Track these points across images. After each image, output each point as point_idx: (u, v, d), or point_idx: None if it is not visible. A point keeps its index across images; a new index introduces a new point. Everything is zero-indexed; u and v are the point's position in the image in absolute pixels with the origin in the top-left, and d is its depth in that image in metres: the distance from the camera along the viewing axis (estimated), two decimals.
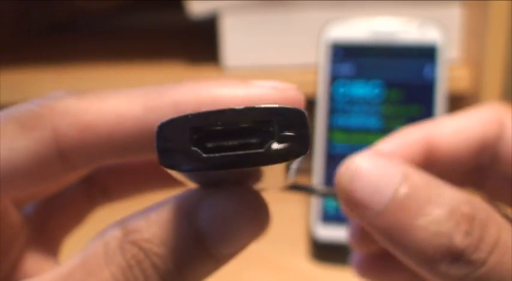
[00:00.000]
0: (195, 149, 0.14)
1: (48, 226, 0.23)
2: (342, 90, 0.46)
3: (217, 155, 0.14)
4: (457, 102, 0.50)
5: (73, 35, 0.71)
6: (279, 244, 0.46)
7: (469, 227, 0.16)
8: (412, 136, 0.22)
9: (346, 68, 0.46)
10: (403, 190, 0.17)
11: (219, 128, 0.14)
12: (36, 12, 0.71)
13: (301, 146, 0.14)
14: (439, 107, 0.44)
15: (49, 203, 0.23)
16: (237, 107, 0.14)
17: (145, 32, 0.69)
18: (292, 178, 0.20)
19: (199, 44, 0.60)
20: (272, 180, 0.18)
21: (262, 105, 0.14)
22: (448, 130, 0.22)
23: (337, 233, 0.44)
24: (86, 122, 0.18)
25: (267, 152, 0.14)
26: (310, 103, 0.47)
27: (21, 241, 0.21)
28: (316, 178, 0.45)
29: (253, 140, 0.14)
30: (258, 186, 0.18)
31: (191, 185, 0.18)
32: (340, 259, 0.44)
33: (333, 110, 0.46)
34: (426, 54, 0.45)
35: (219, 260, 0.17)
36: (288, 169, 0.16)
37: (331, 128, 0.46)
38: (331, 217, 0.44)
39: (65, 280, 0.16)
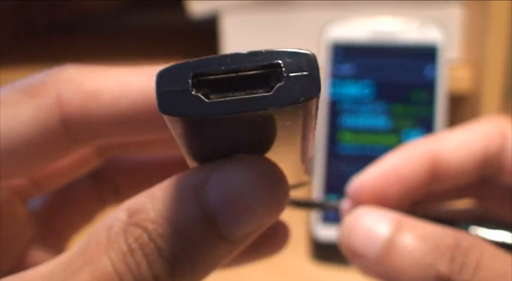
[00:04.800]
0: (197, 94, 0.13)
1: (56, 222, 0.23)
2: (342, 90, 0.46)
3: (221, 99, 0.13)
4: (458, 102, 0.50)
5: (73, 35, 0.71)
6: None
7: (452, 255, 0.18)
8: (416, 151, 0.22)
9: (347, 68, 0.46)
10: (394, 237, 0.19)
11: (222, 76, 0.13)
12: (36, 11, 0.71)
13: (311, 86, 0.13)
14: (440, 107, 0.44)
15: (57, 199, 0.23)
16: (241, 52, 0.13)
17: (145, 32, 0.69)
18: (311, 156, 0.18)
19: (199, 44, 0.60)
20: (288, 150, 0.16)
21: (268, 49, 0.13)
22: (452, 144, 0.22)
23: (337, 234, 0.43)
24: (89, 89, 0.18)
25: (275, 94, 0.13)
26: None
27: (27, 236, 0.21)
28: (318, 178, 0.45)
29: (260, 91, 0.13)
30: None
31: (196, 160, 0.16)
32: (340, 259, 0.44)
33: (334, 109, 0.46)
34: (427, 54, 0.45)
35: (232, 242, 0.15)
36: (303, 130, 0.14)
37: (331, 128, 0.46)
38: (331, 218, 0.44)
39: (62, 270, 0.15)
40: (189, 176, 0.15)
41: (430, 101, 0.45)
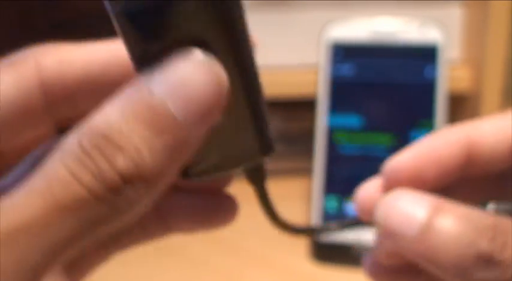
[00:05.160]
0: None
1: None
2: (342, 90, 0.46)
3: None
4: (458, 102, 0.50)
5: (73, 35, 0.70)
6: (279, 244, 0.46)
7: (492, 235, 0.18)
8: (453, 134, 0.22)
9: (347, 68, 0.46)
10: (432, 218, 0.19)
11: None
12: (36, 12, 0.71)
13: None
14: (440, 107, 0.44)
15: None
16: None
17: None
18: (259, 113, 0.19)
19: None
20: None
21: None
22: (487, 130, 0.22)
23: (337, 234, 0.43)
24: (64, 55, 0.20)
25: None
26: (311, 103, 0.47)
27: None
28: (318, 178, 0.45)
29: None
30: None
31: None
32: (340, 259, 0.44)
33: (333, 109, 0.46)
34: (427, 54, 0.45)
35: (186, 130, 0.16)
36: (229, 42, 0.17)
37: (331, 128, 0.46)
38: (331, 217, 0.44)
39: (27, 194, 0.15)
40: (136, 80, 0.16)
41: (430, 101, 0.45)
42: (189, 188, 0.22)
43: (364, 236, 0.43)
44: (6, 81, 0.18)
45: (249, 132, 0.18)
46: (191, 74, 0.16)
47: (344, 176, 0.45)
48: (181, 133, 0.16)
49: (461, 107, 0.50)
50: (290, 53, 0.50)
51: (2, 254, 0.15)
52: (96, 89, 0.20)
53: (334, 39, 0.46)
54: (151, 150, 0.16)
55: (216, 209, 0.23)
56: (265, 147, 0.19)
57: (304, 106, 0.49)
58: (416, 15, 0.47)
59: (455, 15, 0.49)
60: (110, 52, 0.20)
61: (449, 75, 0.46)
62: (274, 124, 0.59)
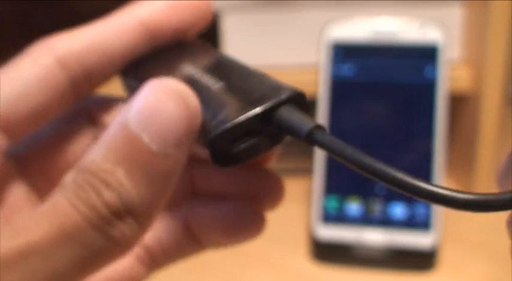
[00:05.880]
0: None
1: (35, 160, 0.22)
2: (342, 90, 0.46)
3: None
4: (458, 102, 0.50)
5: None
6: (279, 244, 0.46)
7: None
8: None
9: (347, 68, 0.46)
10: None
11: None
12: (36, 12, 0.71)
13: None
14: (440, 108, 0.44)
15: (36, 140, 0.23)
16: None
17: None
18: None
19: None
20: None
21: None
22: None
23: (337, 233, 0.43)
24: (71, 36, 0.21)
25: None
26: (311, 103, 0.47)
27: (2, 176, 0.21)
28: (317, 178, 0.45)
29: None
30: None
31: None
32: (340, 259, 0.44)
33: (333, 109, 0.46)
34: (427, 54, 0.45)
35: (166, 156, 0.16)
36: None
37: (331, 128, 0.46)
38: (331, 217, 0.44)
39: (34, 218, 0.16)
40: (118, 114, 0.17)
41: (430, 101, 0.45)
42: (215, 195, 0.22)
43: (364, 236, 0.43)
44: (28, 73, 0.20)
45: (256, 78, 0.20)
46: (161, 104, 0.16)
47: (344, 176, 0.45)
48: (160, 162, 0.16)
49: (461, 107, 0.50)
50: (290, 53, 0.50)
51: (6, 276, 0.15)
52: (105, 59, 0.21)
53: (334, 39, 0.46)
54: (134, 182, 0.16)
55: (246, 218, 0.22)
56: (278, 87, 0.19)
57: None
58: (417, 15, 0.47)
59: (455, 15, 0.49)
60: (108, 24, 0.21)
61: (449, 75, 0.46)
62: None
